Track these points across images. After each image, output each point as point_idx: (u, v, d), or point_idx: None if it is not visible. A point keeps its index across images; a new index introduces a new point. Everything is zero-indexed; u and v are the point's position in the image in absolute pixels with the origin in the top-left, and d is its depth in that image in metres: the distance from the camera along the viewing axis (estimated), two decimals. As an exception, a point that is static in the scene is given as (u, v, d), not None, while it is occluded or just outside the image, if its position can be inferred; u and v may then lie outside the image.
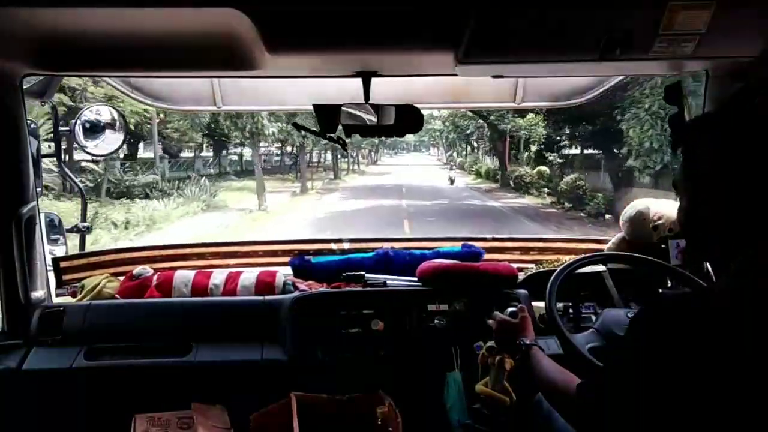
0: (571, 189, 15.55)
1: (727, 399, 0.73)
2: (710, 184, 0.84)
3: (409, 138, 47.85)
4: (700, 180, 0.87)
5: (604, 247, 2.03)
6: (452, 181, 24.34)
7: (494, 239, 2.15)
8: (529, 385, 1.22)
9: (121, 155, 16.50)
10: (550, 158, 19.58)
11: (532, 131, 19.66)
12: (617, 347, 0.94)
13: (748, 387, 0.72)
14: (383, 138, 1.67)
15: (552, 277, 1.65)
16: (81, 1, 1.08)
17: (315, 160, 38.26)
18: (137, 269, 1.88)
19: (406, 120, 1.50)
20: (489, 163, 30.74)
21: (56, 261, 1.85)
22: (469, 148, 40.43)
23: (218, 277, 1.84)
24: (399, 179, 28.73)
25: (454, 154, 46.53)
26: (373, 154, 51.11)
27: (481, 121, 24.18)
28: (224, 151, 29.14)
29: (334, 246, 2.10)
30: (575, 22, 1.17)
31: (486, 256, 2.01)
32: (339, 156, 31.64)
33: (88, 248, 2.03)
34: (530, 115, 18.67)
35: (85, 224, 1.95)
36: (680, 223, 0.93)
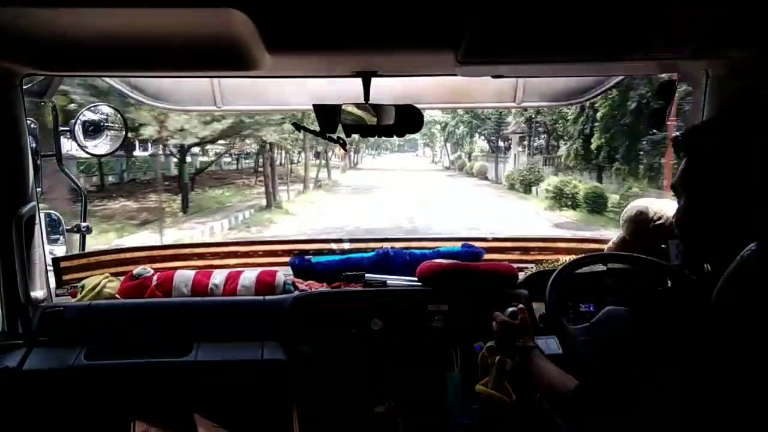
0: None
1: (728, 394, 0.73)
2: (716, 184, 0.86)
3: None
4: (704, 181, 0.89)
5: (604, 247, 2.03)
6: None
7: (494, 239, 2.15)
8: (529, 385, 1.22)
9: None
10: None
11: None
12: (618, 345, 0.95)
13: (750, 383, 0.72)
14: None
15: (552, 277, 1.65)
16: (81, 1, 1.08)
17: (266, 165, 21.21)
18: (137, 269, 1.88)
19: (406, 120, 1.50)
20: (551, 173, 17.73)
21: (56, 261, 1.85)
22: (486, 149, 28.32)
23: (218, 277, 1.84)
24: (398, 204, 15.22)
25: (465, 156, 32.64)
26: (353, 154, 37.31)
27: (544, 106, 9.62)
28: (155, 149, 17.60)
29: (334, 246, 2.10)
30: (575, 22, 1.17)
31: (486, 256, 2.01)
32: (291, 160, 19.99)
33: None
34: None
35: (86, 224, 1.95)
36: (679, 224, 0.95)
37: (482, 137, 27.90)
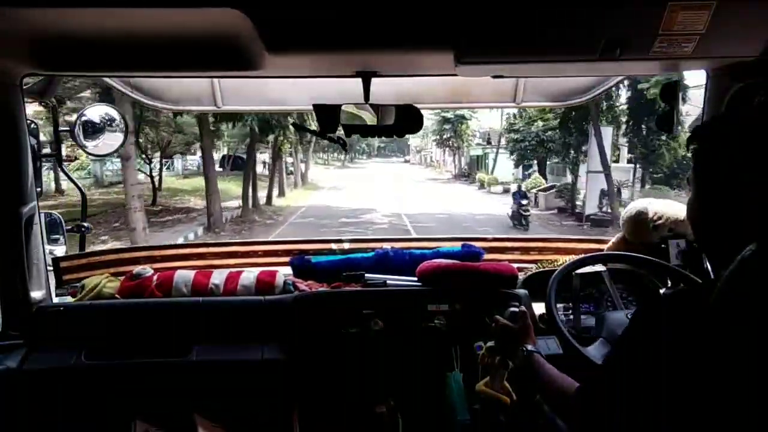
0: None
1: (725, 394, 0.73)
2: (722, 182, 0.85)
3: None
4: (712, 178, 0.87)
5: (604, 247, 2.03)
6: None
7: (494, 239, 2.15)
8: (530, 385, 1.22)
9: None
10: None
11: None
12: (615, 346, 0.95)
13: (746, 382, 0.72)
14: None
15: (552, 277, 1.65)
16: (81, 1, 1.08)
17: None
18: (137, 269, 1.88)
19: (406, 120, 1.50)
20: None
21: (56, 261, 1.85)
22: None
23: (218, 277, 1.83)
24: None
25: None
26: (288, 159, 22.44)
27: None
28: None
29: (334, 246, 2.10)
30: (575, 22, 1.17)
31: (486, 256, 2.01)
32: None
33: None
34: None
35: (86, 224, 1.96)
36: (690, 218, 0.95)
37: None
